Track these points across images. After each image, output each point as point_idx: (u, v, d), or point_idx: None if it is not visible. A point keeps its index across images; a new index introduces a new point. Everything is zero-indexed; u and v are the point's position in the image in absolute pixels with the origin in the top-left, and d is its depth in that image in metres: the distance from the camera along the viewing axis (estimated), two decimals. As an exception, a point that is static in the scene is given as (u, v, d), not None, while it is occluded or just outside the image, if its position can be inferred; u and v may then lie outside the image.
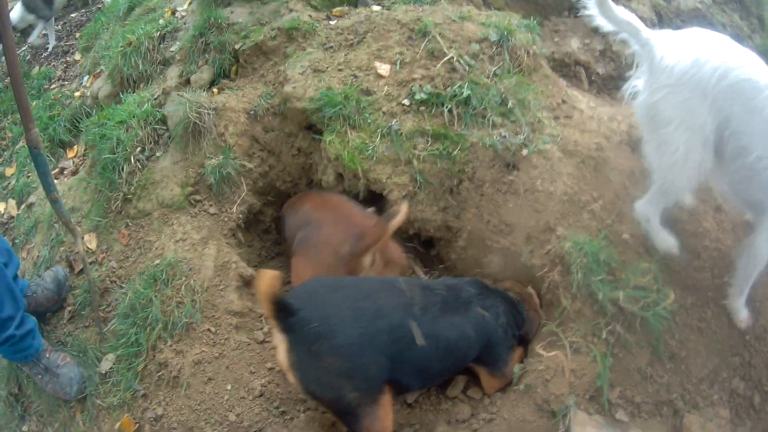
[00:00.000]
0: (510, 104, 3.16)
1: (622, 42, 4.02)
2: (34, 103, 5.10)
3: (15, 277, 3.30)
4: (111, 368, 3.16)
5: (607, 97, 4.00)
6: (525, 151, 3.04)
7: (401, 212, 2.67)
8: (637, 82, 2.69)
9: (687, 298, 2.96)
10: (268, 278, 2.12)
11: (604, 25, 2.64)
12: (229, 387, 2.88)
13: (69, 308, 3.51)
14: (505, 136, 3.06)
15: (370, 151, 3.08)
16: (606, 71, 4.09)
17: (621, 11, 2.58)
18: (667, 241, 2.92)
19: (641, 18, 4.01)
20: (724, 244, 3.25)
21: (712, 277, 3.13)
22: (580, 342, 2.73)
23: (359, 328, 2.29)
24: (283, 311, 2.21)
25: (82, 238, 3.62)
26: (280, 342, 2.32)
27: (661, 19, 4.33)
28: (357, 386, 2.28)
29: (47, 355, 3.20)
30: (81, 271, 3.56)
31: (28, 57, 6.11)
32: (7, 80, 5.94)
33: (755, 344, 3.00)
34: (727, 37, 2.55)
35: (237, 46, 3.82)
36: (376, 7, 3.89)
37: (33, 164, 3.01)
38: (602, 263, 2.81)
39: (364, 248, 2.75)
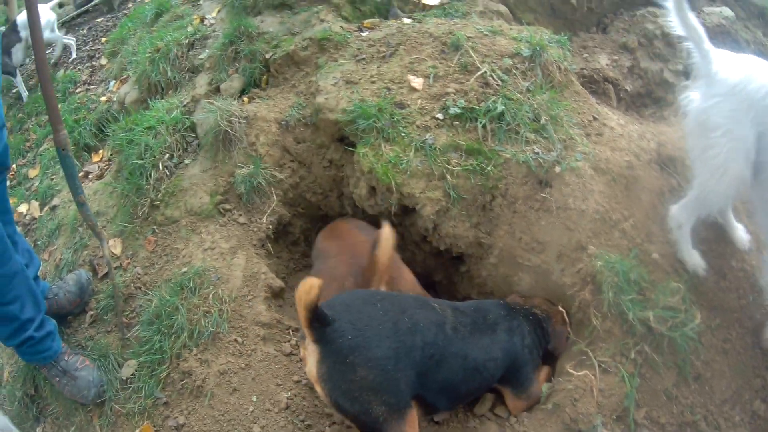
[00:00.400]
0: (543, 120, 3.13)
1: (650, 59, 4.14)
2: (60, 106, 5.09)
3: (36, 278, 3.30)
4: (132, 374, 3.14)
5: (635, 114, 3.99)
6: (558, 169, 3.01)
7: (383, 238, 2.57)
8: (691, 93, 2.78)
9: (713, 318, 2.95)
10: (309, 285, 2.09)
11: (676, 27, 2.69)
12: (254, 399, 2.85)
13: (91, 312, 3.50)
14: (538, 153, 3.04)
15: (403, 165, 3.06)
16: (634, 88, 4.08)
17: (693, 17, 2.63)
18: (695, 259, 2.96)
19: (668, 35, 4.05)
20: (749, 264, 3.23)
21: (737, 297, 3.12)
22: (608, 362, 2.70)
23: (395, 342, 2.27)
24: (319, 321, 2.18)
25: (107, 242, 3.61)
26: (311, 352, 2.29)
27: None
28: (385, 400, 2.25)
29: (66, 358, 3.19)
30: (105, 276, 3.56)
31: (53, 60, 6.12)
32: (32, 81, 5.98)
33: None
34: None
35: (268, 56, 3.81)
36: (407, 20, 3.88)
37: (60, 166, 3.01)
38: (633, 283, 2.79)
39: (366, 282, 2.68)
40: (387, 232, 2.58)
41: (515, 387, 2.77)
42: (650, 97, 4.10)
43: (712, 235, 3.26)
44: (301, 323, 2.21)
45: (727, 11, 4.60)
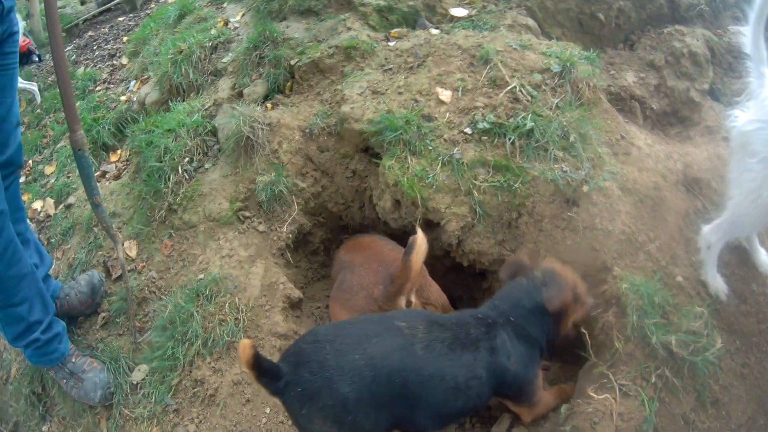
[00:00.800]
0: (572, 138, 3.08)
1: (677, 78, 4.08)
2: (78, 103, 5.08)
3: (47, 277, 3.28)
4: (143, 379, 3.12)
5: (661, 133, 3.94)
6: (585, 188, 2.96)
7: (417, 243, 2.54)
8: (737, 111, 2.75)
9: (732, 342, 2.91)
10: (242, 347, 2.03)
11: (745, 44, 2.67)
12: (267, 410, 2.82)
13: (103, 314, 3.48)
14: (566, 171, 2.99)
15: (430, 179, 3.00)
16: (660, 107, 4.02)
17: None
18: (718, 282, 2.94)
19: (695, 53, 4.00)
20: (769, 289, 3.20)
21: (757, 322, 3.10)
22: (629, 385, 2.65)
23: (349, 386, 2.14)
24: (268, 376, 2.12)
25: (122, 244, 3.58)
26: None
27: (713, 54, 4.26)
28: None
29: (73, 360, 3.17)
30: (118, 278, 3.53)
31: (74, 57, 6.12)
32: (51, 78, 5.97)
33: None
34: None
35: (293, 62, 3.77)
36: (434, 31, 3.83)
37: (76, 166, 2.97)
38: (657, 306, 2.74)
39: (397, 289, 2.65)
40: (421, 238, 2.56)
41: (515, 399, 2.66)
42: (676, 116, 4.04)
43: (735, 259, 3.23)
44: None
45: (752, 31, 4.55)
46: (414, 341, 2.29)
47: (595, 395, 2.65)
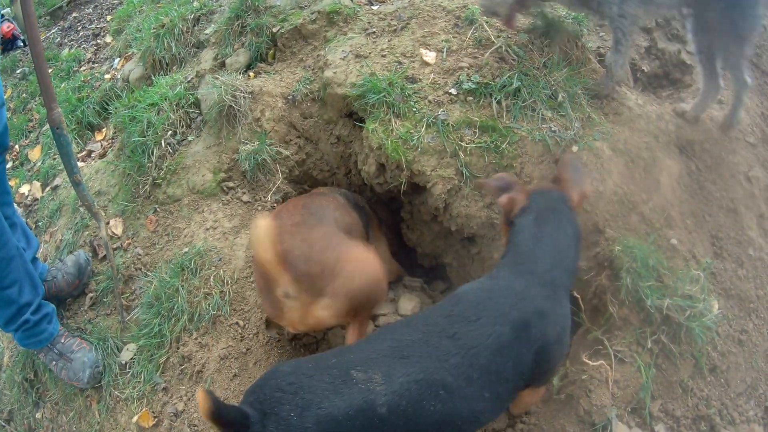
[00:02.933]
0: (560, 98, 3.00)
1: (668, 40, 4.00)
2: (63, 84, 5.03)
3: (34, 260, 3.24)
4: (132, 359, 3.08)
5: (652, 95, 3.86)
6: (575, 148, 2.89)
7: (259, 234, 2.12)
8: None
9: (730, 308, 2.89)
10: (201, 400, 1.67)
11: None
12: (255, 385, 2.76)
13: (90, 294, 3.43)
14: (555, 131, 2.91)
15: (414, 141, 2.92)
16: (651, 69, 3.95)
17: None
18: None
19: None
20: (766, 253, 3.16)
21: (755, 287, 3.07)
22: (624, 351, 2.61)
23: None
24: (234, 426, 1.74)
25: (107, 223, 3.53)
26: None
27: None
28: None
29: (62, 341, 3.14)
30: (105, 257, 3.47)
31: (58, 39, 6.04)
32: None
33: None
34: None
35: (275, 30, 3.68)
36: (419, -7, 3.75)
37: (56, 145, 2.90)
38: (651, 269, 2.68)
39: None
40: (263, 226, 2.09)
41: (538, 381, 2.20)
42: (667, 78, 3.97)
43: (730, 222, 3.18)
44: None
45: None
46: (447, 357, 1.86)
47: (589, 362, 2.61)
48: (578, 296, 2.76)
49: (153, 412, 2.86)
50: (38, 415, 3.39)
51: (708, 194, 3.22)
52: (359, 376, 1.82)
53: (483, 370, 1.87)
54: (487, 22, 3.26)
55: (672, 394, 2.59)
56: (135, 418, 2.88)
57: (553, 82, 3.05)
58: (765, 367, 2.86)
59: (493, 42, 3.16)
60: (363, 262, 2.43)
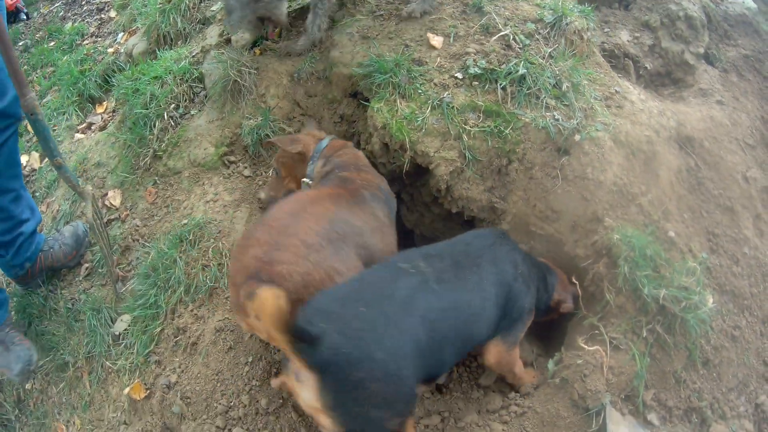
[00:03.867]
0: (564, 87, 3.02)
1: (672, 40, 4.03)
2: (65, 57, 5.01)
3: (33, 232, 3.25)
4: (125, 330, 3.08)
5: (654, 92, 3.89)
6: (577, 137, 2.90)
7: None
8: None
9: (725, 303, 2.92)
10: (273, 298, 1.59)
11: None
12: (250, 359, 2.76)
13: (86, 265, 3.43)
14: (558, 119, 2.93)
15: (419, 122, 2.94)
16: (654, 67, 3.97)
17: None
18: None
19: (691, 17, 3.95)
20: (762, 253, 3.18)
21: (749, 285, 3.09)
22: (620, 339, 2.62)
23: (395, 336, 1.95)
24: (303, 340, 1.74)
25: (105, 194, 3.53)
26: (306, 381, 1.86)
27: (710, 20, 4.22)
28: (399, 410, 1.97)
29: (7, 330, 3.19)
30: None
31: (62, 13, 6.02)
32: (39, 35, 5.87)
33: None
34: None
35: (283, 8, 3.69)
36: (427, -22, 3.76)
37: (33, 130, 2.87)
38: (648, 259, 2.70)
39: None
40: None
41: (504, 329, 2.50)
42: (669, 77, 3.99)
43: (727, 220, 3.21)
44: (284, 349, 1.78)
45: (750, 2, 4.51)
46: (427, 278, 2.19)
47: (585, 346, 2.62)
48: (576, 282, 2.79)
49: (145, 384, 2.86)
50: (28, 386, 3.39)
51: (706, 191, 3.24)
52: (408, 266, 2.19)
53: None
54: (495, 11, 3.27)
55: (665, 385, 2.60)
56: (126, 390, 2.87)
57: (558, 72, 3.06)
58: (756, 365, 2.89)
59: (500, 29, 3.17)
60: None
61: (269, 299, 1.60)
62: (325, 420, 1.90)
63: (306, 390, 1.88)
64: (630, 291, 2.68)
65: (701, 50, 4.06)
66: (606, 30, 3.99)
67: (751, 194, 3.44)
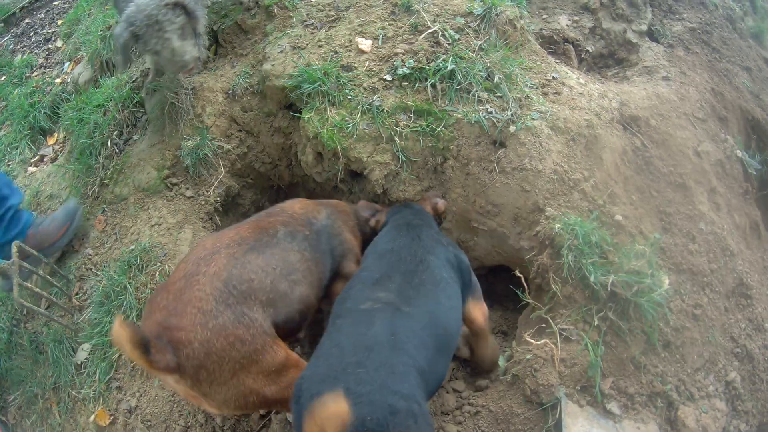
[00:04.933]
0: (496, 79, 3.02)
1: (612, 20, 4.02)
2: (16, 91, 4.99)
3: (17, 210, 3.24)
4: (86, 358, 3.08)
5: (597, 75, 3.88)
6: (512, 128, 2.90)
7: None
8: None
9: (682, 283, 2.87)
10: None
11: None
12: (203, 378, 2.76)
13: (44, 299, 3.41)
14: (491, 112, 2.92)
15: (350, 129, 2.94)
16: (596, 49, 3.96)
17: None
18: None
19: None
20: (719, 227, 3.16)
21: (708, 261, 3.05)
22: (570, 329, 2.60)
23: (403, 378, 1.85)
24: None
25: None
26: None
27: (653, -8, 4.21)
28: None
29: None
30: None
31: (11, 46, 5.99)
32: None
33: (752, 332, 2.93)
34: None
35: (215, 27, 3.69)
36: (358, -17, 3.75)
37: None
38: (594, 245, 2.67)
39: None
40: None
41: (470, 292, 2.51)
42: (613, 57, 3.99)
43: (680, 197, 3.19)
44: None
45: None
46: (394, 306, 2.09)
47: (533, 341, 2.60)
48: (521, 275, 2.77)
49: (109, 410, 2.87)
50: (2, 418, 3.39)
51: (655, 170, 3.22)
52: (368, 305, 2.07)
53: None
54: (423, 9, 3.26)
55: (623, 371, 2.58)
56: (92, 418, 2.88)
57: (489, 64, 3.05)
58: (723, 341, 2.86)
59: (429, 27, 3.16)
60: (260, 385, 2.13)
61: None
62: None
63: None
64: (577, 280, 2.66)
65: (644, 27, 4.06)
66: (544, 16, 3.98)
67: (704, 168, 3.42)
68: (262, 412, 2.68)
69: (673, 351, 2.70)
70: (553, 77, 3.21)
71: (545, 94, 3.13)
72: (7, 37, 6.14)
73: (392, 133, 2.91)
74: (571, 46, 3.81)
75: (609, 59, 3.97)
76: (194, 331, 2.00)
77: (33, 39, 5.81)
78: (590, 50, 3.89)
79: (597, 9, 3.98)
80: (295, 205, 2.66)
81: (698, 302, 2.90)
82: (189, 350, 1.96)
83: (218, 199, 3.31)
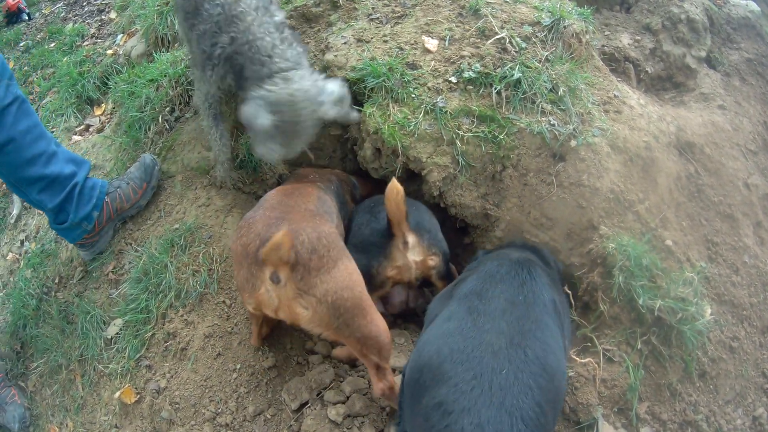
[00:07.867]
0: (560, 92, 2.97)
1: (673, 43, 3.98)
2: (65, 58, 5.00)
3: (86, 178, 3.17)
4: (117, 334, 3.06)
5: (655, 97, 3.84)
6: (573, 142, 2.87)
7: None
8: None
9: (723, 314, 2.87)
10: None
11: None
12: (238, 366, 2.74)
13: (80, 268, 3.40)
14: (554, 125, 2.88)
15: (411, 127, 2.90)
16: (655, 71, 3.91)
17: None
18: None
19: (693, 20, 3.89)
20: (762, 262, 3.14)
21: (748, 295, 3.04)
22: (614, 350, 2.60)
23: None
24: None
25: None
26: None
27: (712, 23, 4.16)
28: None
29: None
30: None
31: (63, 14, 6.02)
32: (40, 36, 5.86)
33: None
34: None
35: (278, 12, 3.66)
36: (424, -19, 3.72)
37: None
38: (644, 269, 2.66)
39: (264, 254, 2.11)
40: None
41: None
42: (671, 81, 3.94)
43: (726, 227, 3.16)
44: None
45: (753, 5, 4.45)
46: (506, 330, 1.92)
47: (577, 359, 2.58)
48: (569, 292, 2.74)
49: (135, 388, 2.84)
50: (24, 386, 3.41)
51: (706, 198, 3.20)
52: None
53: None
54: (491, 13, 3.22)
55: (660, 397, 2.57)
56: (117, 394, 2.85)
57: (554, 76, 3.02)
58: (755, 376, 2.85)
59: (496, 32, 3.12)
60: (355, 280, 2.28)
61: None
62: None
63: None
64: (625, 301, 2.64)
65: (703, 54, 4.01)
66: (606, 33, 3.94)
67: (752, 201, 3.39)
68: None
69: (707, 381, 2.69)
70: (615, 95, 3.18)
71: (606, 111, 3.09)
72: (59, 5, 6.16)
73: (454, 136, 2.88)
74: (631, 66, 3.77)
75: (667, 82, 3.92)
76: (305, 221, 2.32)
77: (86, 9, 5.82)
78: (649, 71, 3.84)
79: (659, 30, 3.94)
80: (312, 172, 3.15)
81: (736, 335, 2.89)
82: (304, 236, 2.18)
83: (269, 186, 3.29)
